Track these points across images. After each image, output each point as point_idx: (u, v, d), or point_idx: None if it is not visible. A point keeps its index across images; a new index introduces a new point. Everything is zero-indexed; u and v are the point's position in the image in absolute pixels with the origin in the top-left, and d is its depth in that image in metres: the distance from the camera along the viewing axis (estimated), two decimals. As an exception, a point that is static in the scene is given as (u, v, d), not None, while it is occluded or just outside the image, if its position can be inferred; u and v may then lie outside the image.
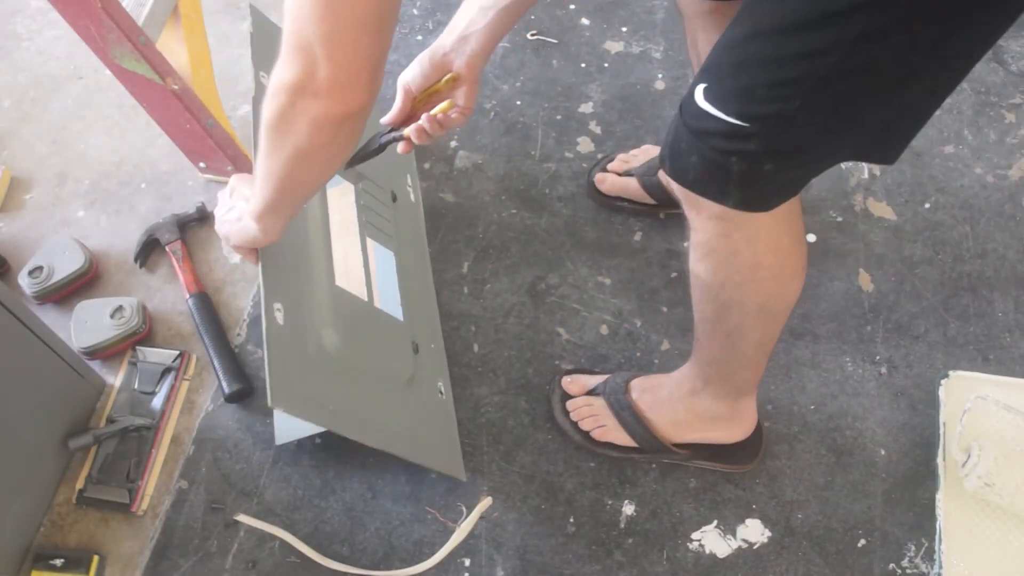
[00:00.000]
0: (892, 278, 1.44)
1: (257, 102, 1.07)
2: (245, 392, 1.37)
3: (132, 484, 1.30)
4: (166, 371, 1.40)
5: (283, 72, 0.75)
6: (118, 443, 1.33)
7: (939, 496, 1.22)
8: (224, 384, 1.37)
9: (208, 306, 1.45)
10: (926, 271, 1.44)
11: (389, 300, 1.33)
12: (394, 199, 1.46)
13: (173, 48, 1.44)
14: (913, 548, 1.21)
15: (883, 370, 1.35)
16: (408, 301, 1.37)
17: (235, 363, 1.39)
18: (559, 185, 1.58)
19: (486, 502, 1.24)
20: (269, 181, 0.89)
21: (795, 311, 1.17)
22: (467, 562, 1.24)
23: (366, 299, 1.29)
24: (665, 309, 1.43)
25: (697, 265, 1.02)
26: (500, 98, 1.71)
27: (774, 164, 0.87)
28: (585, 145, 1.63)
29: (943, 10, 0.71)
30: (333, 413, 1.12)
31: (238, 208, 1.02)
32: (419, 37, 1.82)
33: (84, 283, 1.51)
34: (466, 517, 1.24)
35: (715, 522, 1.25)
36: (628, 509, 1.26)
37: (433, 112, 1.04)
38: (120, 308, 1.42)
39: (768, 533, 1.24)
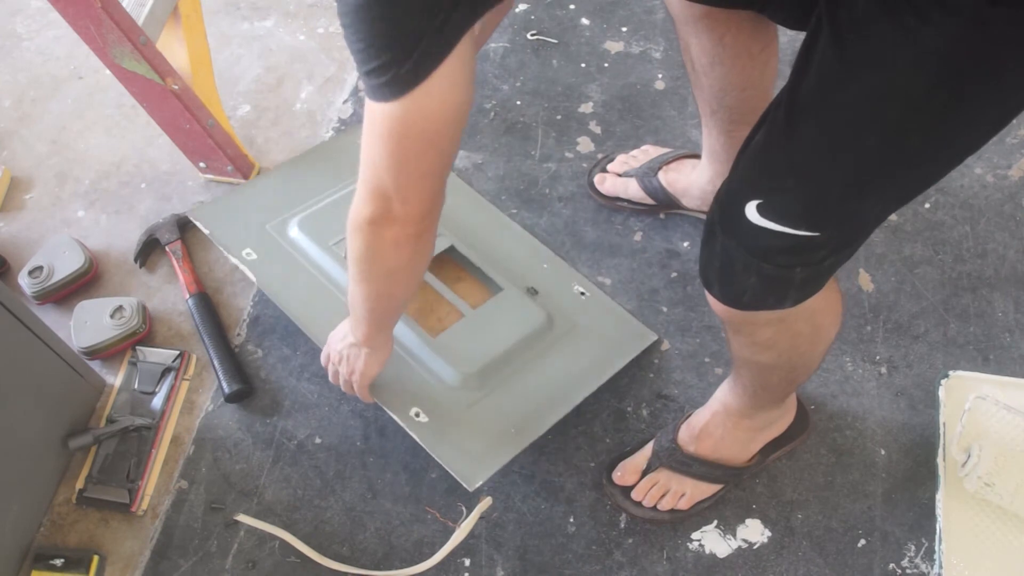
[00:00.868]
0: (892, 278, 1.43)
1: (259, 273, 1.37)
2: (245, 392, 1.37)
3: (132, 484, 1.30)
4: (166, 371, 1.40)
5: (363, 210, 0.88)
6: (118, 443, 1.33)
7: (939, 496, 1.22)
8: (224, 384, 1.37)
9: (208, 306, 1.45)
10: (926, 271, 1.44)
11: (481, 281, 1.42)
12: None
13: (173, 48, 1.44)
14: (913, 548, 1.21)
15: (883, 370, 1.35)
16: (499, 259, 1.43)
17: (235, 363, 1.39)
18: (559, 185, 1.58)
19: (486, 502, 1.24)
20: (367, 304, 1.03)
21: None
22: (467, 562, 1.24)
23: (463, 312, 1.36)
24: (665, 309, 1.43)
25: (758, 356, 1.02)
26: (500, 98, 1.71)
27: (836, 257, 0.87)
28: (585, 145, 1.63)
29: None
30: (517, 433, 1.24)
31: (344, 353, 1.17)
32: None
33: (84, 283, 1.51)
34: (466, 517, 1.24)
35: (715, 522, 1.25)
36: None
37: None
38: (120, 308, 1.42)
39: (768, 533, 1.23)
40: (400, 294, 1.05)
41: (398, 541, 1.26)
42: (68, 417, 1.33)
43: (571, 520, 1.26)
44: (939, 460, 1.24)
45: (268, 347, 1.43)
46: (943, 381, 1.30)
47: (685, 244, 1.49)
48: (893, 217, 1.50)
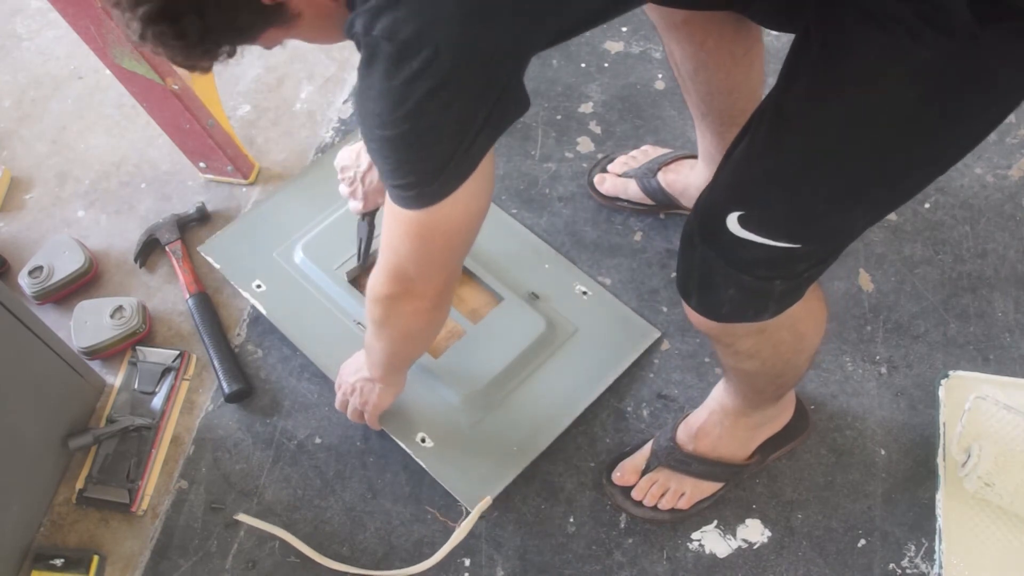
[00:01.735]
0: (892, 278, 1.43)
1: (269, 306, 1.40)
2: (245, 392, 1.37)
3: (132, 484, 1.30)
4: (166, 371, 1.40)
5: (384, 287, 0.94)
6: (118, 443, 1.33)
7: (939, 496, 1.22)
8: (224, 384, 1.37)
9: (208, 306, 1.45)
10: (926, 271, 1.44)
11: (482, 287, 1.43)
12: None
13: (173, 48, 1.44)
14: (913, 548, 1.21)
15: (883, 370, 1.35)
16: (500, 261, 1.44)
17: (235, 363, 1.39)
18: (559, 185, 1.58)
19: (486, 502, 1.24)
20: (384, 356, 1.10)
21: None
22: (467, 562, 1.24)
23: (464, 328, 1.37)
24: (665, 309, 1.43)
25: (742, 364, 1.02)
26: (500, 98, 1.71)
27: (816, 268, 0.87)
28: (585, 145, 1.63)
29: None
30: (520, 451, 1.28)
31: (358, 386, 1.22)
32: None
33: (84, 283, 1.51)
34: (466, 517, 1.24)
35: (715, 522, 1.25)
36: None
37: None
38: (120, 308, 1.42)
39: (768, 533, 1.23)
40: (418, 350, 1.13)
41: (398, 541, 1.26)
42: (68, 417, 1.33)
43: (571, 520, 1.26)
44: (939, 460, 1.24)
45: (268, 347, 1.43)
46: (943, 381, 1.30)
47: (685, 244, 1.49)
48: (893, 217, 1.49)
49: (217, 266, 1.48)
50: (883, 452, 1.28)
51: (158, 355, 1.42)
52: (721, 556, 1.22)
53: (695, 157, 1.44)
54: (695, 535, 1.24)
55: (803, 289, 0.91)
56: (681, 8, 1.08)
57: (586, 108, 1.68)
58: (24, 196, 1.67)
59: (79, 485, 1.30)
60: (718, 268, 0.86)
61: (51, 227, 1.62)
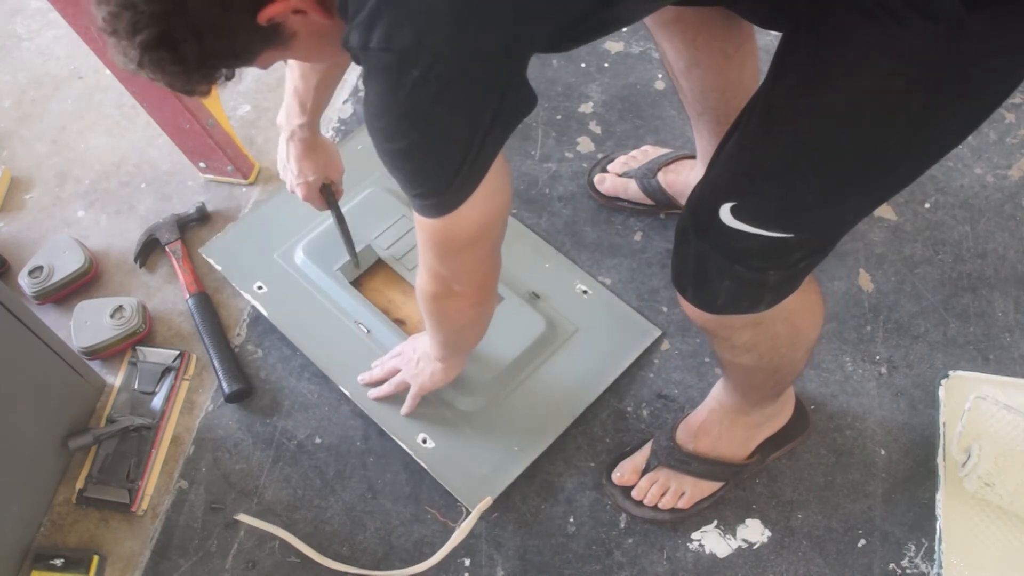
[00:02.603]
0: (892, 278, 1.43)
1: (270, 307, 1.41)
2: (245, 392, 1.37)
3: (132, 484, 1.30)
4: (166, 371, 1.40)
5: (427, 287, 0.96)
6: (118, 443, 1.33)
7: (939, 496, 1.22)
8: (224, 384, 1.37)
9: (208, 306, 1.45)
10: (926, 271, 1.44)
11: None
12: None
13: (173, 48, 1.44)
14: (913, 548, 1.21)
15: (883, 370, 1.35)
16: (502, 266, 1.44)
17: (235, 363, 1.39)
18: (559, 185, 1.58)
19: (486, 502, 1.24)
20: (441, 344, 1.16)
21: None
22: (467, 562, 1.24)
23: None
24: (665, 309, 1.43)
25: (739, 359, 1.02)
26: (500, 98, 1.71)
27: (811, 259, 0.87)
28: (585, 145, 1.63)
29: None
30: (521, 451, 1.28)
31: (416, 359, 1.25)
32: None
33: (84, 283, 1.51)
34: (466, 517, 1.24)
35: (715, 522, 1.25)
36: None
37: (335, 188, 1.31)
38: (120, 308, 1.42)
39: (768, 533, 1.23)
40: (474, 339, 1.15)
41: (398, 541, 1.26)
42: (68, 417, 1.33)
43: (571, 520, 1.26)
44: (939, 460, 1.24)
45: (268, 347, 1.43)
46: (943, 381, 1.30)
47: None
48: (893, 217, 1.50)
49: (219, 268, 1.48)
50: (883, 452, 1.28)
51: (158, 355, 1.42)
52: (721, 556, 1.22)
53: (695, 157, 1.44)
54: (695, 535, 1.24)
55: (798, 280, 0.91)
56: (671, 3, 1.08)
57: (586, 108, 1.68)
58: (24, 196, 1.67)
59: (79, 485, 1.30)
60: (712, 260, 0.86)
61: (51, 227, 1.62)
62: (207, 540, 1.27)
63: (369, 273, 1.45)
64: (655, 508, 1.23)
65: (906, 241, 1.47)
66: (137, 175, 1.67)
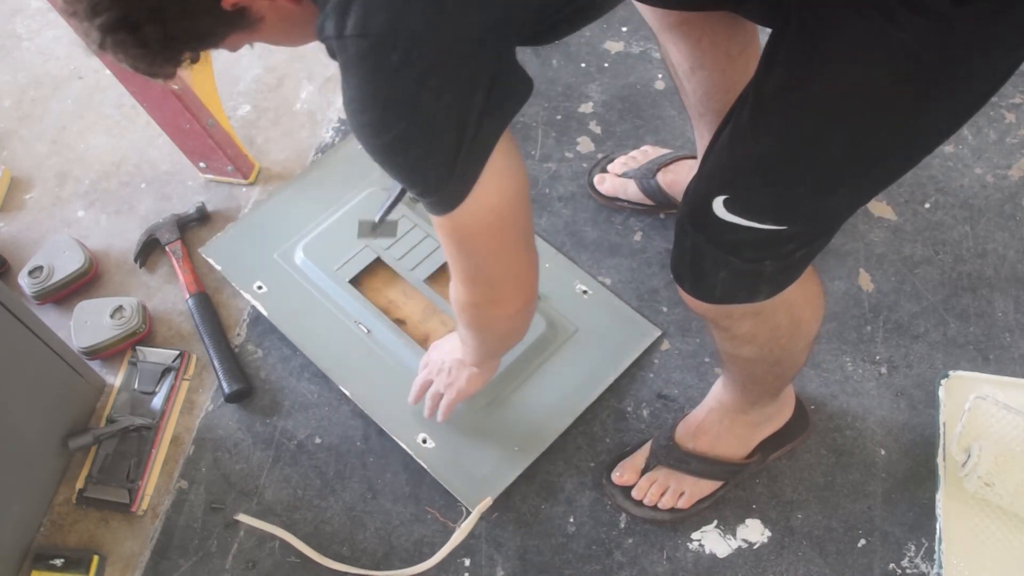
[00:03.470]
0: (892, 278, 1.43)
1: (270, 307, 1.40)
2: (245, 392, 1.37)
3: (132, 484, 1.30)
4: (166, 371, 1.40)
5: (465, 295, 0.94)
6: (118, 443, 1.33)
7: (939, 496, 1.22)
8: (224, 384, 1.37)
9: (208, 306, 1.45)
10: (926, 271, 1.44)
11: None
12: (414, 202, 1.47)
13: (173, 48, 1.44)
14: (913, 548, 1.21)
15: (883, 370, 1.35)
16: None
17: (235, 363, 1.39)
18: (559, 185, 1.58)
19: (486, 502, 1.24)
20: (478, 350, 1.12)
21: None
22: (467, 562, 1.24)
23: None
24: (665, 309, 1.43)
25: (739, 350, 1.02)
26: (500, 98, 1.71)
27: (807, 249, 0.87)
28: (585, 145, 1.63)
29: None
30: (521, 451, 1.28)
31: (448, 366, 1.21)
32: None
33: (84, 283, 1.51)
34: (466, 517, 1.24)
35: (715, 522, 1.25)
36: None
37: None
38: (120, 308, 1.42)
39: (768, 533, 1.23)
40: (515, 342, 1.11)
41: (398, 541, 1.26)
42: (68, 417, 1.33)
43: (571, 520, 1.26)
44: (939, 460, 1.24)
45: (268, 347, 1.43)
46: (943, 381, 1.30)
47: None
48: (892, 217, 1.50)
49: (219, 268, 1.48)
50: (883, 452, 1.28)
51: (158, 355, 1.42)
52: (721, 556, 1.22)
53: (695, 157, 1.44)
54: (695, 535, 1.24)
55: (796, 270, 0.91)
56: (675, 9, 1.08)
57: (586, 108, 1.68)
58: (24, 196, 1.67)
59: (79, 485, 1.30)
60: (708, 252, 0.87)
61: (51, 227, 1.62)
62: (207, 540, 1.27)
63: (369, 273, 1.45)
64: (655, 508, 1.23)
65: (906, 241, 1.47)
66: (137, 175, 1.67)
